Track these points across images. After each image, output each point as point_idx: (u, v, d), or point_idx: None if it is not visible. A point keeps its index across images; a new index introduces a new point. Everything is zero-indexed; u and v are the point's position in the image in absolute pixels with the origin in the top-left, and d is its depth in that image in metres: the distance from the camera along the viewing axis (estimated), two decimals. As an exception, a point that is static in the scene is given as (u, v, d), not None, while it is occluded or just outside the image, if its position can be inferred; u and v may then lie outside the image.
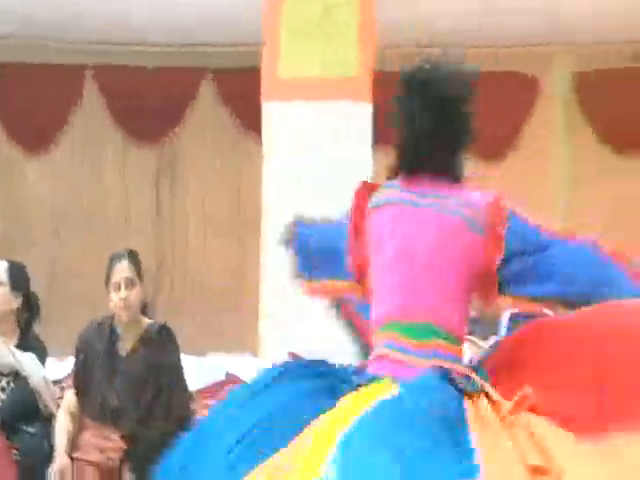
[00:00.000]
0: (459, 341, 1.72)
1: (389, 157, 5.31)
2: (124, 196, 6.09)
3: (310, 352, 2.78)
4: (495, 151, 5.92)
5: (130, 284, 2.91)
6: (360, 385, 1.66)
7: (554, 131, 5.91)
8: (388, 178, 1.81)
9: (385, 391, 1.60)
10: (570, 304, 1.68)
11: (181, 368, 2.94)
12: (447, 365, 1.65)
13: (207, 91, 6.06)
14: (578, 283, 1.67)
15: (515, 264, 1.69)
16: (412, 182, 1.75)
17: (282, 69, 3.14)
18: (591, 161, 5.93)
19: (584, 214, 5.78)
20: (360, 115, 3.08)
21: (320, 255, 1.91)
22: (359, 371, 1.74)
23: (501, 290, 1.73)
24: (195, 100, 6.06)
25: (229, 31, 5.61)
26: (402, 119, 1.77)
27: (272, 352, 3.02)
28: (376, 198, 1.79)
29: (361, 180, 1.84)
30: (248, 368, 4.67)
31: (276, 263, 3.06)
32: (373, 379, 1.67)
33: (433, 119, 1.73)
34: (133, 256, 3.01)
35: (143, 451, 2.75)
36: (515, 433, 1.51)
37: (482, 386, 1.63)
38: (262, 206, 3.20)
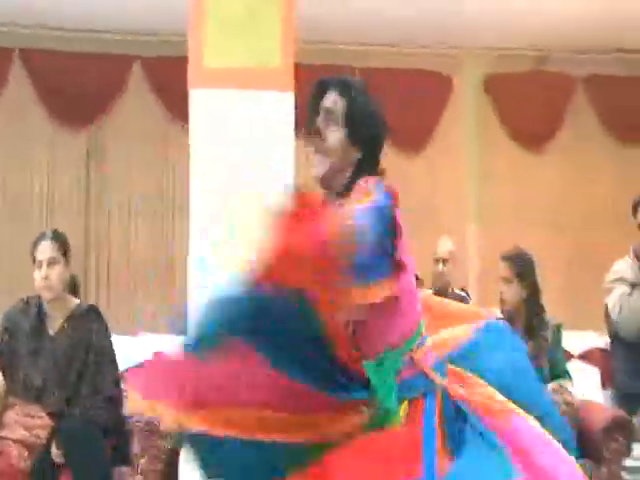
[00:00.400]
0: None
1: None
2: (52, 180, 5.90)
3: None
4: (411, 145, 6.00)
5: (52, 263, 2.82)
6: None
7: (466, 128, 6.02)
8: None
9: None
10: None
11: (110, 347, 2.86)
12: None
13: (136, 78, 5.92)
14: None
15: None
16: None
17: (207, 59, 3.09)
18: (500, 156, 6.07)
19: (493, 206, 5.93)
20: (282, 104, 3.06)
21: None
22: None
23: None
24: (124, 87, 5.91)
25: (159, 20, 5.52)
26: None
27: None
28: None
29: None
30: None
31: (202, 244, 3.02)
32: None
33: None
34: (57, 236, 2.92)
35: (70, 428, 2.67)
36: None
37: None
38: (189, 190, 3.14)
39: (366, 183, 1.68)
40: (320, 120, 1.74)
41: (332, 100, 1.76)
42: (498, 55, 6.12)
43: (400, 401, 1.59)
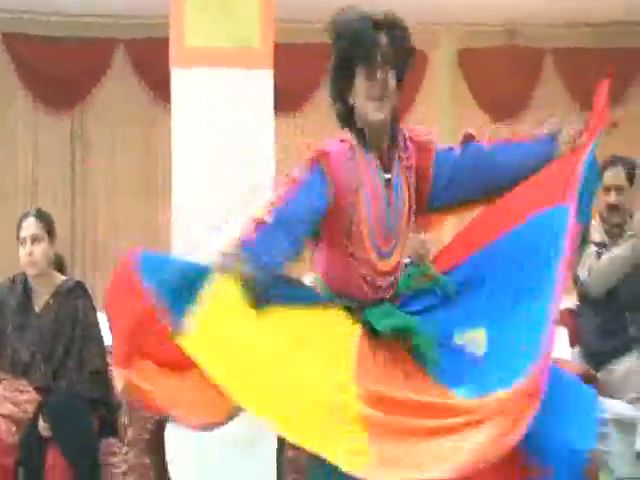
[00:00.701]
0: None
1: (288, 122, 5.18)
2: (36, 163, 5.80)
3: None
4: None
5: (36, 240, 2.75)
6: None
7: (441, 100, 6.00)
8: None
9: None
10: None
11: (96, 322, 2.80)
12: None
13: (119, 61, 5.82)
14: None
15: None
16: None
17: (188, 38, 3.02)
18: (474, 127, 6.04)
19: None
20: (262, 82, 3.00)
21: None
22: None
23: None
24: (107, 70, 5.80)
25: (141, 3, 5.40)
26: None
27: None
28: None
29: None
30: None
31: (186, 223, 2.98)
32: None
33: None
34: (41, 214, 2.86)
35: (57, 403, 2.63)
36: None
37: None
38: (172, 170, 3.07)
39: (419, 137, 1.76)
40: (379, 62, 1.64)
41: (386, 42, 1.66)
42: (471, 31, 6.11)
43: None
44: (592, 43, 6.24)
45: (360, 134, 1.69)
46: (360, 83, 1.66)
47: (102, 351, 2.76)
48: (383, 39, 1.66)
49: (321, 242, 1.73)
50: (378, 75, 1.64)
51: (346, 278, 1.70)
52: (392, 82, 1.67)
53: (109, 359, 2.79)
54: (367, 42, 1.63)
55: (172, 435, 2.72)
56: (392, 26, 1.68)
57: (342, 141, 1.68)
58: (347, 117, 1.71)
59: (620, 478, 2.96)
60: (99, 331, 2.77)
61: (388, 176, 1.70)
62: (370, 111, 1.66)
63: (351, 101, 1.69)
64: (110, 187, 5.85)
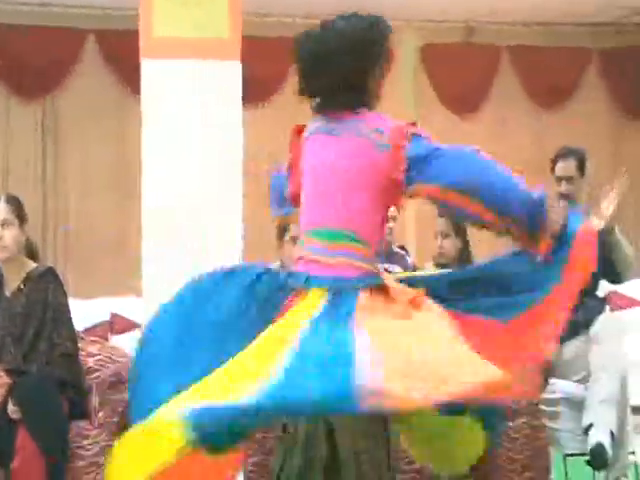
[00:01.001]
0: (370, 245, 1.74)
1: (257, 113, 5.12)
2: (8, 151, 5.65)
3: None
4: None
5: (6, 224, 2.68)
6: (294, 289, 1.68)
7: (405, 95, 5.99)
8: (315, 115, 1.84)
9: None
10: (471, 193, 1.70)
11: (66, 306, 2.74)
12: (355, 263, 1.69)
13: (90, 51, 5.70)
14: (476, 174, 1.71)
15: (420, 164, 1.73)
16: (332, 115, 1.80)
17: (157, 29, 2.95)
18: (435, 121, 6.09)
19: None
20: (231, 73, 2.95)
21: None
22: (291, 274, 1.74)
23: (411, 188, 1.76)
24: (79, 59, 5.68)
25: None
26: (314, 69, 1.80)
27: (154, 293, 2.88)
28: (307, 131, 1.83)
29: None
30: (131, 308, 4.54)
31: (157, 210, 2.92)
32: (303, 280, 1.69)
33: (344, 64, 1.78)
34: (11, 199, 2.79)
35: (27, 385, 2.56)
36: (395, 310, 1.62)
37: (384, 281, 1.70)
38: (142, 158, 3.01)
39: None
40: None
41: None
42: (432, 28, 6.12)
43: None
44: (545, 41, 6.32)
45: None
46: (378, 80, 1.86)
47: (72, 334, 2.71)
48: None
49: None
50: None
51: None
52: None
53: (80, 343, 2.74)
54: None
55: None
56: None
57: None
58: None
59: (569, 454, 3.02)
60: (69, 314, 2.72)
61: None
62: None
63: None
64: (81, 176, 5.75)
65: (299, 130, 1.85)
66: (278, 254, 2.96)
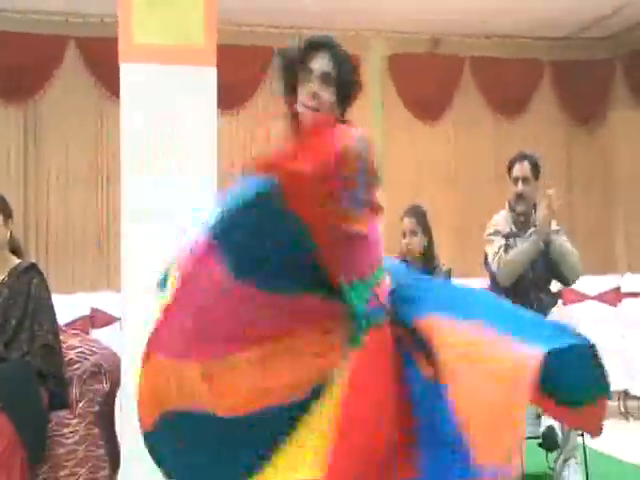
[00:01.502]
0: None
1: (232, 119, 5.04)
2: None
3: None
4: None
5: None
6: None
7: (372, 102, 6.03)
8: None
9: None
10: None
11: (48, 299, 2.69)
12: None
13: (71, 57, 5.65)
14: None
15: None
16: None
17: (136, 36, 2.93)
18: (401, 127, 6.15)
19: (395, 170, 5.98)
20: (206, 79, 2.93)
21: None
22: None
23: None
24: (60, 65, 5.62)
25: (92, 2, 5.23)
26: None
27: (132, 288, 2.86)
28: None
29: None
30: (111, 303, 4.50)
31: (134, 211, 2.89)
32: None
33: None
34: None
35: (6, 373, 2.51)
36: None
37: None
38: (120, 160, 2.98)
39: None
40: (314, 80, 1.68)
41: (326, 63, 1.70)
42: (399, 38, 6.17)
43: (366, 327, 1.52)
44: (503, 53, 6.41)
45: None
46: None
47: (54, 327, 2.66)
48: (324, 62, 1.71)
49: None
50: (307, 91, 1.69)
51: None
52: (326, 98, 1.70)
53: (61, 336, 2.70)
54: (299, 59, 1.72)
55: (122, 408, 2.66)
56: (334, 51, 1.73)
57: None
58: None
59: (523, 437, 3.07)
60: (51, 307, 2.67)
61: None
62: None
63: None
64: (61, 176, 5.69)
65: None
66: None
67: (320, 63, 1.70)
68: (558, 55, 6.52)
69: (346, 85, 1.72)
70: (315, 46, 1.72)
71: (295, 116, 1.70)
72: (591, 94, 6.49)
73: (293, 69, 1.71)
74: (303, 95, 1.68)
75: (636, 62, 6.34)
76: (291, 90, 1.71)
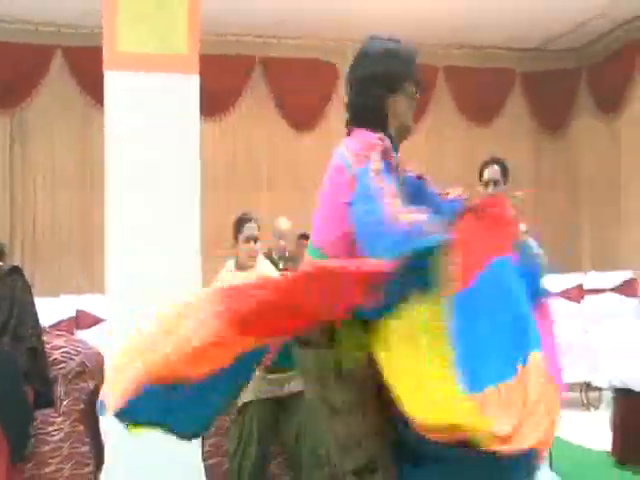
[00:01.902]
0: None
1: (214, 126, 5.01)
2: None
3: (152, 288, 2.69)
4: (305, 124, 6.02)
5: None
6: None
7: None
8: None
9: None
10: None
11: (32, 302, 2.64)
12: None
13: (58, 66, 5.62)
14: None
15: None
16: (347, 132, 1.81)
17: (121, 44, 2.90)
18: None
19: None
20: (189, 86, 2.92)
21: None
22: None
23: None
24: (47, 73, 5.59)
25: (79, 12, 5.21)
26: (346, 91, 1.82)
27: (117, 289, 2.83)
28: None
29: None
30: (96, 305, 4.45)
31: (119, 213, 2.87)
32: None
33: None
34: None
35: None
36: None
37: None
38: (105, 167, 2.95)
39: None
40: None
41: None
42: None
43: None
44: (476, 63, 6.47)
45: (389, 136, 1.76)
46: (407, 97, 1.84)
47: (37, 330, 2.62)
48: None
49: None
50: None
51: None
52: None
53: (46, 337, 2.67)
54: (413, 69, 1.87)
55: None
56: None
57: (382, 139, 1.70)
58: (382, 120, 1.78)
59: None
60: (34, 310, 2.63)
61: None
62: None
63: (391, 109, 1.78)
64: (47, 180, 5.66)
65: None
66: (233, 253, 2.95)
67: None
68: (528, 65, 6.60)
69: None
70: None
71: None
72: (558, 103, 6.58)
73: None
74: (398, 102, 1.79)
75: (599, 73, 6.44)
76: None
